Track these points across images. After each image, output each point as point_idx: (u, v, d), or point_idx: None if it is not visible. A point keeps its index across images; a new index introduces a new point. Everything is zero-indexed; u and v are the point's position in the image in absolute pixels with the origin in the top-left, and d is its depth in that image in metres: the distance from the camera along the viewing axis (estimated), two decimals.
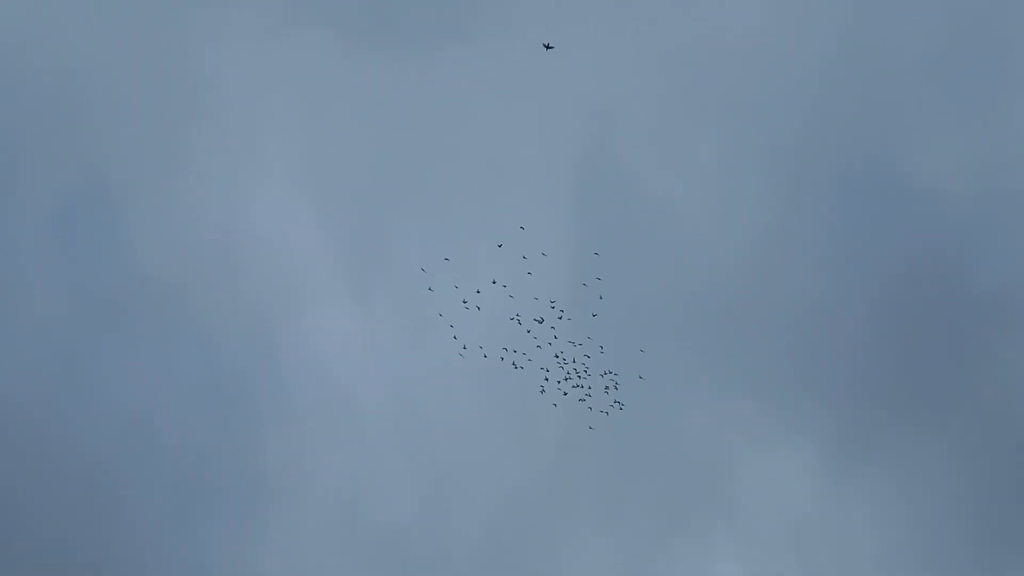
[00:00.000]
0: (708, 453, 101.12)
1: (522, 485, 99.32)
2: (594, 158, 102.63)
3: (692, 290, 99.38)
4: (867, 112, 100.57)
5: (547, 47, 77.98)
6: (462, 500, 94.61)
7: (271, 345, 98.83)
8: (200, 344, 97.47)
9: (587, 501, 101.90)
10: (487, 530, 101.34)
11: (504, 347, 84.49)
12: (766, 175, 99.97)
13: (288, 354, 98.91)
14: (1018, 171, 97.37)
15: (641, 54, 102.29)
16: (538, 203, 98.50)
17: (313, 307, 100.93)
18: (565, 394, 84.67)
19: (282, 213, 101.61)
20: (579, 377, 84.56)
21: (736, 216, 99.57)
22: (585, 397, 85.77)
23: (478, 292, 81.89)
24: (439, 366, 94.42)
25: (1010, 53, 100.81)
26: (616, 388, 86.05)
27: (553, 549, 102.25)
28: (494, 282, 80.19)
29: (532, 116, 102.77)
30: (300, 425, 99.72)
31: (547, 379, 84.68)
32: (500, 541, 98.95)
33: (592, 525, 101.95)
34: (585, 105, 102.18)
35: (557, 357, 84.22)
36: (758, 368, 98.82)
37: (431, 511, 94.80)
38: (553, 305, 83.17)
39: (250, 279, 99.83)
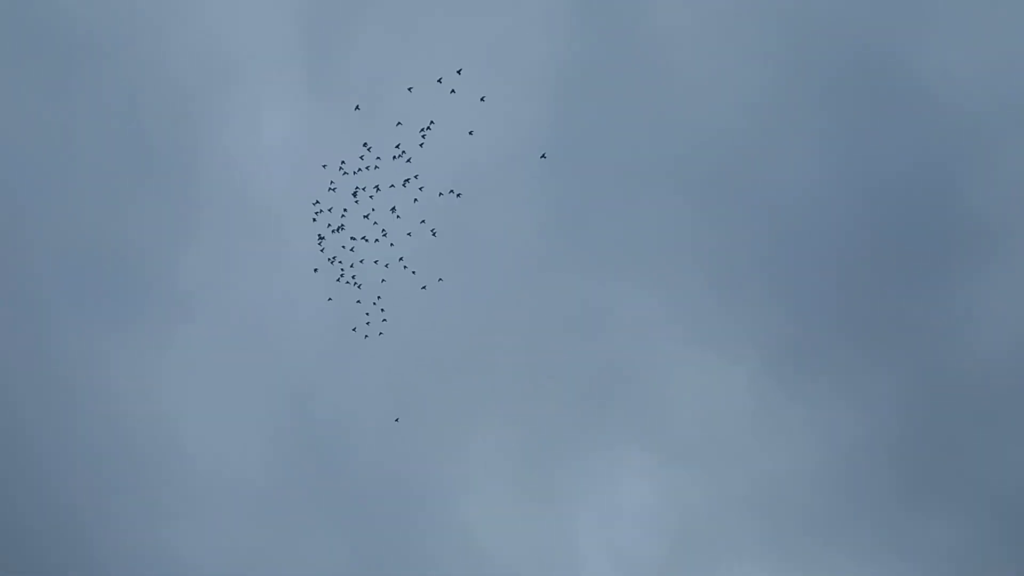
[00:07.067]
0: (639, 347, 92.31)
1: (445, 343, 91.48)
2: None
3: (673, 153, 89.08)
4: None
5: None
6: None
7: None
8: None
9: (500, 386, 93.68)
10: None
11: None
12: (772, 40, 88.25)
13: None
14: None
15: None
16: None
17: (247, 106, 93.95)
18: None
19: None
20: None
21: (736, 78, 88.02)
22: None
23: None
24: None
25: None
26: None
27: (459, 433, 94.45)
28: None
29: None
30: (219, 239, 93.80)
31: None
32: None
33: (500, 416, 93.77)
34: None
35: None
36: (721, 256, 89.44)
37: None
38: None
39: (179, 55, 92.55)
